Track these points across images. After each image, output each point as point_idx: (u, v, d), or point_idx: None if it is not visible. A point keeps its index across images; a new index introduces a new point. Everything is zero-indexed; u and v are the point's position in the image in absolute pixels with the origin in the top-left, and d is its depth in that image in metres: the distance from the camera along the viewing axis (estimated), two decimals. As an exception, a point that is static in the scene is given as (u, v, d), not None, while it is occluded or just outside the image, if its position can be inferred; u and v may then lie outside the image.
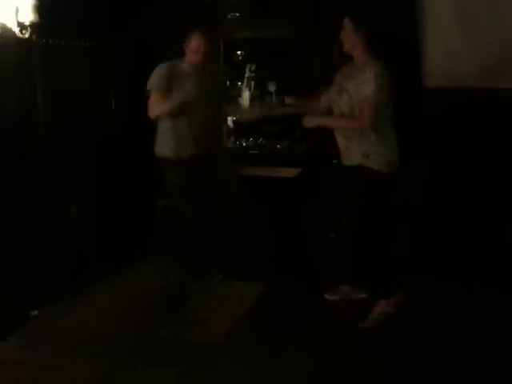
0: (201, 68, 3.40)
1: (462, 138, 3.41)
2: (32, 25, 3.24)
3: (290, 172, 4.84)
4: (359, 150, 2.95)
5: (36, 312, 3.12)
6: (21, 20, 3.21)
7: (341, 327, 2.97)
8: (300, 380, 2.52)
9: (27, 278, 3.15)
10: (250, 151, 5.39)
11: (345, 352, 2.73)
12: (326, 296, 3.30)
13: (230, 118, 5.70)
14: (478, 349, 2.66)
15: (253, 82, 5.65)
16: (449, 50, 3.57)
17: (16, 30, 3.20)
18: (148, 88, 3.32)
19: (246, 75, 5.60)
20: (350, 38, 2.94)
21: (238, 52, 5.54)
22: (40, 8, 3.24)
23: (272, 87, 5.43)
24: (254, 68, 5.58)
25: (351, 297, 3.27)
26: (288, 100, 3.84)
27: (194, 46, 3.31)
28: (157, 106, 3.30)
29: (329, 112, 3.14)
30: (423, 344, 2.74)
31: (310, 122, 3.08)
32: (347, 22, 2.96)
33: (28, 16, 3.21)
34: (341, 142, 3.06)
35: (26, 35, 3.24)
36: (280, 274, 3.66)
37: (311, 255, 3.99)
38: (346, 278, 3.29)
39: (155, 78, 3.31)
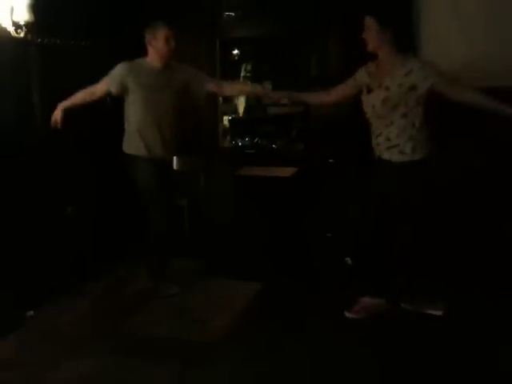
0: (166, 67, 3.23)
1: (461, 136, 3.42)
2: (27, 24, 3.23)
3: (286, 171, 4.86)
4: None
5: (32, 312, 3.11)
6: (16, 19, 3.20)
7: (339, 324, 2.97)
8: (299, 378, 2.51)
9: (25, 277, 3.14)
10: (246, 151, 5.41)
11: (344, 349, 2.72)
12: (347, 314, 3.03)
13: (225, 118, 5.72)
14: (478, 349, 2.65)
15: (249, 82, 5.67)
16: (445, 49, 3.58)
17: (11, 29, 3.19)
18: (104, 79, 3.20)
19: (242, 74, 5.62)
20: (375, 38, 2.86)
21: (234, 51, 5.55)
22: (35, 7, 3.22)
23: (268, 86, 5.45)
24: (249, 67, 5.60)
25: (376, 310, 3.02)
26: (284, 100, 3.82)
27: (161, 43, 3.14)
28: (77, 96, 3.22)
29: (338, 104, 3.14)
30: (422, 343, 2.74)
31: None
32: (370, 21, 2.87)
33: (23, 15, 3.20)
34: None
35: (21, 35, 3.23)
36: (277, 272, 3.66)
37: (308, 254, 4.00)
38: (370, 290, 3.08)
39: (113, 72, 3.19)
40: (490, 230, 3.40)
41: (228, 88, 3.73)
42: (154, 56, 3.21)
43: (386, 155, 2.91)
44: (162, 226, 3.32)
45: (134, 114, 3.25)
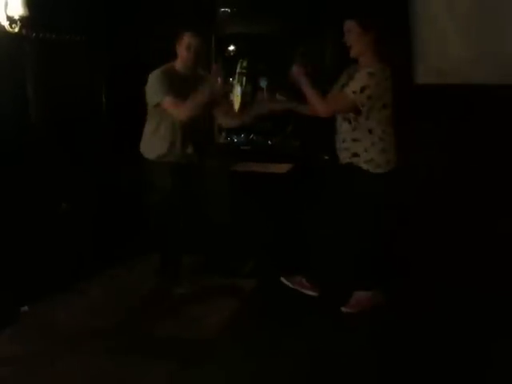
0: (192, 74, 3.27)
1: (458, 134, 3.43)
2: (22, 19, 3.20)
3: (281, 168, 4.85)
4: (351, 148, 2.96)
5: (26, 308, 3.09)
6: (10, 14, 3.17)
7: (338, 322, 2.98)
8: (298, 374, 2.52)
9: (20, 273, 3.12)
10: (242, 147, 5.39)
11: (342, 346, 2.74)
12: (343, 309, 3.08)
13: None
14: (477, 349, 2.68)
15: (244, 78, 5.64)
16: (441, 49, 3.59)
17: (5, 24, 3.17)
18: (156, 100, 3.14)
19: (238, 71, 5.60)
20: (357, 43, 2.80)
21: (230, 48, 5.52)
22: (30, 2, 3.20)
23: (264, 83, 5.43)
24: (245, 64, 5.58)
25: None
26: (280, 96, 3.81)
27: (186, 46, 3.17)
28: (185, 105, 3.09)
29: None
30: (421, 340, 2.76)
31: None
32: (352, 24, 2.80)
33: (18, 10, 3.17)
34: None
35: (16, 29, 3.20)
36: (273, 269, 3.67)
37: (303, 250, 4.00)
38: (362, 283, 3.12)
39: (157, 85, 3.13)
40: (488, 230, 3.42)
41: (233, 121, 3.72)
42: (179, 62, 3.25)
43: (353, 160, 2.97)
44: (180, 227, 3.35)
45: (162, 119, 3.22)
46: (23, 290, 3.09)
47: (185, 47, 3.18)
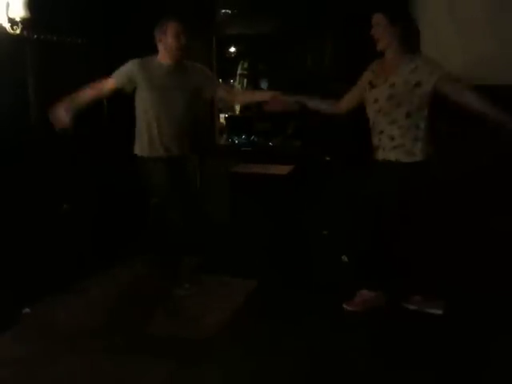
0: (177, 65, 3.16)
1: (458, 135, 3.43)
2: (23, 21, 3.22)
3: (282, 169, 4.85)
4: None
5: (28, 310, 3.10)
6: (12, 16, 3.19)
7: (337, 321, 2.98)
8: (298, 374, 2.52)
9: (21, 274, 3.13)
10: (243, 148, 5.40)
11: (342, 346, 2.74)
12: (346, 307, 3.06)
13: (222, 116, 5.71)
14: (477, 348, 2.67)
15: (245, 79, 5.67)
16: (442, 51, 3.59)
17: (7, 25, 3.18)
18: (112, 75, 3.12)
19: (239, 72, 5.62)
20: (385, 35, 2.79)
21: (231, 49, 5.55)
22: (31, 4, 3.21)
23: (264, 84, 5.45)
24: (246, 65, 5.60)
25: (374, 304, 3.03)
26: (294, 106, 3.73)
27: (174, 34, 3.04)
28: (84, 93, 3.07)
29: (351, 112, 3.05)
30: (422, 340, 2.76)
31: None
32: (380, 17, 2.80)
33: (19, 12, 3.19)
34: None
35: (17, 31, 3.22)
36: (273, 270, 3.67)
37: (304, 251, 4.01)
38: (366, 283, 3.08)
39: (122, 68, 3.11)
40: (487, 229, 3.42)
41: (240, 96, 3.70)
42: (164, 54, 3.13)
43: (391, 155, 2.84)
44: (179, 225, 3.25)
45: (144, 113, 3.19)
46: (24, 291, 3.09)
47: (173, 36, 3.05)
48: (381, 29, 2.80)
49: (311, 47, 4.55)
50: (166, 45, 3.10)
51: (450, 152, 3.34)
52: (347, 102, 3.08)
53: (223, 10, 5.14)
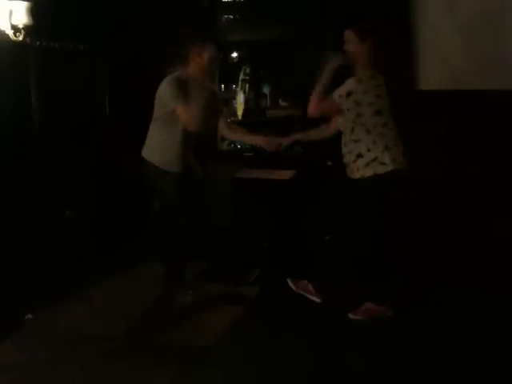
0: (204, 81, 3.30)
1: (458, 138, 3.43)
2: (26, 27, 3.24)
3: (284, 174, 4.85)
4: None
5: (30, 316, 3.10)
6: (14, 23, 3.21)
7: (339, 325, 2.98)
8: (299, 378, 2.52)
9: (23, 280, 3.14)
10: (245, 154, 5.40)
11: (343, 348, 2.74)
12: (351, 316, 3.06)
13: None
14: (477, 348, 2.67)
15: (247, 85, 5.67)
16: (441, 52, 3.60)
17: (10, 32, 3.20)
18: (172, 106, 3.12)
19: (241, 78, 5.62)
20: (355, 51, 2.88)
21: (233, 54, 5.56)
22: (34, 11, 3.24)
23: (266, 89, 5.45)
24: (248, 70, 5.60)
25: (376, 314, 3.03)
26: (283, 102, 3.82)
27: (206, 59, 3.19)
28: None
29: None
30: (422, 340, 2.76)
31: None
32: (350, 34, 2.89)
33: (22, 19, 3.21)
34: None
35: (20, 38, 3.24)
36: (275, 274, 3.66)
37: (306, 257, 4.00)
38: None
39: (175, 91, 3.11)
40: (489, 234, 3.42)
41: (238, 134, 3.72)
42: (194, 70, 3.23)
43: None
44: (189, 232, 3.28)
45: (173, 128, 3.20)
46: (26, 297, 3.09)
47: (207, 56, 3.19)
48: (352, 45, 2.90)
49: (314, 52, 4.55)
50: (200, 66, 3.23)
51: (441, 155, 3.35)
52: (336, 122, 3.14)
53: (225, 16, 5.15)
